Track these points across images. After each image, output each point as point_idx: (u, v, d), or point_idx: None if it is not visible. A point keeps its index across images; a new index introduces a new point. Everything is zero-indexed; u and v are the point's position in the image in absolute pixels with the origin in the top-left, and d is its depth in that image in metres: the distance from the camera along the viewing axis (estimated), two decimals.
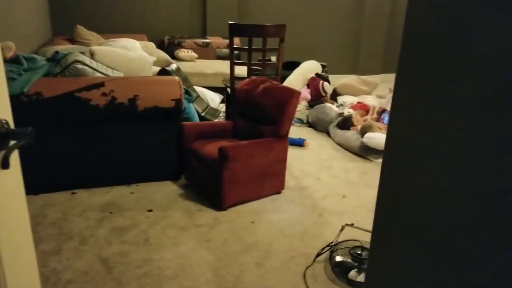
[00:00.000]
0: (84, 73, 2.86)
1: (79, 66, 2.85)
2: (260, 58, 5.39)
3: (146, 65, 3.28)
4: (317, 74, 4.80)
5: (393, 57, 7.01)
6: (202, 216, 2.61)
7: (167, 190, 2.94)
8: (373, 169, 3.41)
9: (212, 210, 2.69)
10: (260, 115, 2.84)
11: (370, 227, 2.58)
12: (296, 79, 4.76)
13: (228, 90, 3.56)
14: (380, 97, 5.03)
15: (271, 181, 2.81)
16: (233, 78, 3.30)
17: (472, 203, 0.65)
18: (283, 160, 2.82)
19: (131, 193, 2.89)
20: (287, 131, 2.78)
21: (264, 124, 2.82)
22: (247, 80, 3.03)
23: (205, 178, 2.76)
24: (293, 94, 2.70)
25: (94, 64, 2.94)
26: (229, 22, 3.10)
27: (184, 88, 3.29)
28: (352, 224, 2.27)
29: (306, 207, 2.77)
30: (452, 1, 0.68)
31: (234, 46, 3.22)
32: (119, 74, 2.99)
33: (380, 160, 3.64)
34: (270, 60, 5.57)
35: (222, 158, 2.52)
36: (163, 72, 3.96)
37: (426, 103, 0.75)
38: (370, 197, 2.94)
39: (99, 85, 2.69)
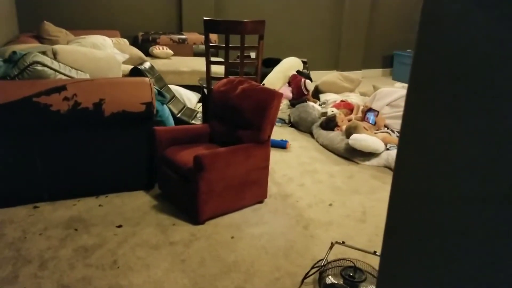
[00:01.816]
0: (44, 75, 2.58)
1: (39, 67, 2.57)
2: (238, 55, 5.20)
3: (114, 64, 3.01)
4: (298, 71, 4.61)
5: (374, 53, 6.88)
6: (176, 232, 2.39)
7: (139, 201, 2.70)
8: (359, 173, 3.24)
9: (187, 224, 2.47)
10: (239, 119, 2.62)
11: (359, 240, 2.42)
12: (277, 77, 4.56)
13: (205, 90, 3.32)
14: (363, 94, 4.88)
15: (252, 190, 2.60)
16: (209, 77, 3.07)
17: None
18: (265, 167, 2.62)
19: (100, 205, 2.64)
20: (269, 136, 2.57)
21: (244, 129, 2.60)
22: (224, 80, 2.80)
23: (179, 188, 2.53)
24: (274, 96, 2.49)
25: (55, 65, 2.67)
26: (204, 18, 2.86)
27: (156, 89, 3.04)
28: (343, 242, 2.09)
29: (290, 218, 2.58)
30: (472, 12, 0.57)
31: (211, 44, 2.98)
32: (85, 76, 2.73)
33: (367, 163, 3.52)
34: (249, 56, 5.35)
35: (198, 167, 2.30)
36: (135, 71, 3.70)
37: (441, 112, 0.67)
38: (357, 205, 2.76)
39: (60, 88, 2.43)
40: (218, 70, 4.64)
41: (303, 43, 6.28)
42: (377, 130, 3.68)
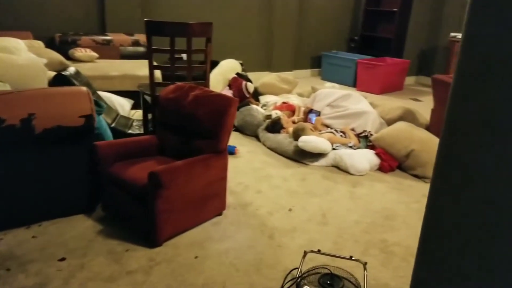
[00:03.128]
0: None
1: None
2: (169, 58, 4.93)
3: (39, 71, 2.63)
4: (238, 74, 4.49)
5: (303, 54, 7.02)
6: (132, 259, 2.13)
7: (81, 227, 2.38)
8: (310, 174, 3.22)
9: (143, 248, 2.21)
10: (193, 128, 2.43)
11: (325, 244, 2.37)
12: (216, 80, 4.39)
13: (146, 98, 3.05)
14: (300, 95, 4.91)
15: (211, 203, 2.43)
16: (153, 84, 2.81)
17: None
18: (223, 178, 2.46)
19: (33, 237, 2.27)
20: (226, 145, 2.42)
21: (200, 139, 2.41)
22: (172, 87, 2.58)
23: (131, 209, 2.27)
24: (230, 103, 2.34)
25: None
26: (146, 19, 2.60)
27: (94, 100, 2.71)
28: (319, 251, 2.01)
29: (253, 228, 2.45)
30: None
31: (156, 48, 2.73)
32: (5, 87, 2.32)
33: (316, 164, 3.51)
34: (181, 59, 5.11)
35: (155, 184, 2.07)
36: (59, 78, 3.28)
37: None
38: (316, 208, 2.73)
39: None
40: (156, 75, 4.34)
41: (236, 45, 6.18)
42: (314, 130, 3.69)
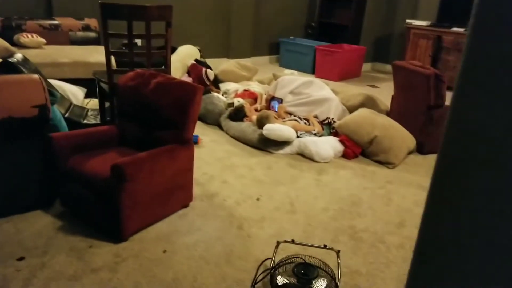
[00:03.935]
0: None
1: None
2: (123, 43, 4.69)
3: None
4: (196, 61, 4.36)
5: (261, 41, 6.96)
6: (96, 256, 2.02)
7: (39, 224, 2.23)
8: (276, 163, 3.21)
9: (108, 243, 2.11)
10: (157, 118, 2.32)
11: (295, 233, 2.36)
12: (175, 67, 4.24)
13: (102, 85, 2.89)
14: (261, 82, 4.88)
15: (177, 194, 2.35)
16: (111, 71, 2.65)
17: None
18: (189, 169, 2.38)
19: None
20: (192, 135, 2.34)
21: (163, 129, 2.32)
22: (131, 74, 2.45)
23: (92, 203, 2.15)
24: (195, 91, 2.26)
25: None
26: (100, 1, 2.44)
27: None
28: (293, 241, 2.00)
29: (222, 219, 2.40)
30: None
31: (112, 32, 2.57)
32: None
33: (281, 152, 3.50)
34: (136, 44, 4.90)
35: (118, 178, 1.96)
36: (6, 65, 3.03)
37: None
38: (283, 196, 2.72)
39: None
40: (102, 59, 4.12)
41: (193, 30, 6.00)
42: (278, 118, 3.68)
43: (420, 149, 3.61)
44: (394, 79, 3.85)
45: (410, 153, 3.55)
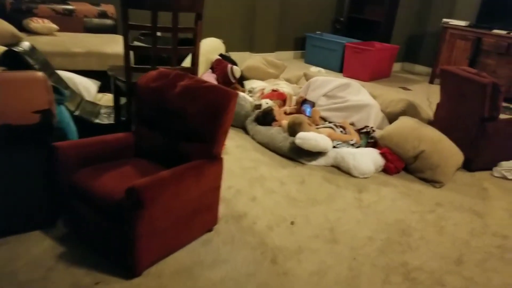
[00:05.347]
0: None
1: None
2: (141, 34, 4.32)
3: None
4: (221, 55, 3.98)
5: (286, 35, 6.54)
6: None
7: (38, 249, 1.89)
8: (309, 176, 2.84)
9: (118, 279, 1.76)
10: (181, 127, 1.96)
11: (340, 270, 1.94)
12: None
13: (119, 84, 2.52)
14: (288, 81, 4.48)
15: (201, 217, 1.99)
16: (129, 68, 2.29)
17: None
18: (217, 187, 2.02)
19: None
20: (222, 149, 1.97)
21: (189, 141, 1.95)
22: (153, 73, 2.08)
23: (100, 228, 1.80)
24: (230, 97, 1.88)
25: None
26: None
27: (52, 86, 2.17)
28: None
29: (252, 249, 2.04)
30: None
31: (132, 23, 2.20)
32: None
33: (314, 163, 3.07)
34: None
35: (135, 203, 1.61)
36: (10, 55, 2.68)
37: None
38: (321, 219, 2.35)
39: None
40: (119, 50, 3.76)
41: (216, 22, 5.61)
42: (311, 124, 3.29)
43: (468, 166, 3.20)
44: (442, 86, 3.43)
45: (457, 169, 3.15)
